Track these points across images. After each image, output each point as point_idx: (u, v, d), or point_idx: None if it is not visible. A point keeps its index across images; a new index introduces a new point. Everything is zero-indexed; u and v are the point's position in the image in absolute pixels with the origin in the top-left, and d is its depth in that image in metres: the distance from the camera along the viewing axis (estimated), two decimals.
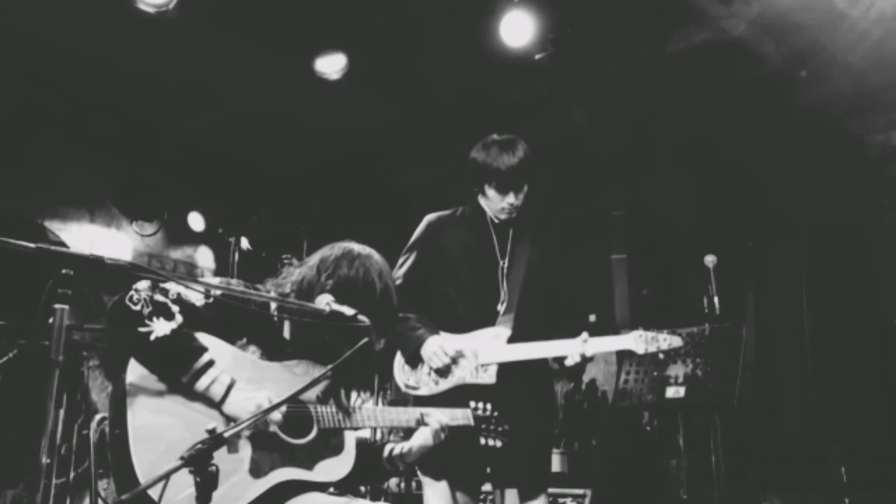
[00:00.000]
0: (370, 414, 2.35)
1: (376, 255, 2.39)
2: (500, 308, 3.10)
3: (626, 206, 6.62)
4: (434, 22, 5.19)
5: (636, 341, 2.98)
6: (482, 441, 2.61)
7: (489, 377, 3.02)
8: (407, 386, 3.17)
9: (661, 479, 5.24)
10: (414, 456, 2.49)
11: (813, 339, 5.15)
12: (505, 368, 3.03)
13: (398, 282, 3.20)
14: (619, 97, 5.80)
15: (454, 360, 3.04)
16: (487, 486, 3.73)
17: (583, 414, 6.17)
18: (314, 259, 2.36)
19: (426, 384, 3.10)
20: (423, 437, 2.47)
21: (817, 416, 4.99)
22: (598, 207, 6.77)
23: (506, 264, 3.16)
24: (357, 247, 2.38)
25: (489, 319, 3.10)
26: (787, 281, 5.38)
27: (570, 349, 2.97)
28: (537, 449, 3.12)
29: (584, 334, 2.99)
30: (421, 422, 2.47)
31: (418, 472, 3.23)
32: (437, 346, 3.04)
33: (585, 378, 6.61)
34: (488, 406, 2.63)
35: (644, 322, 3.14)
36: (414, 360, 3.13)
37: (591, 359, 3.03)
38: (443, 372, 3.07)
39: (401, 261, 3.27)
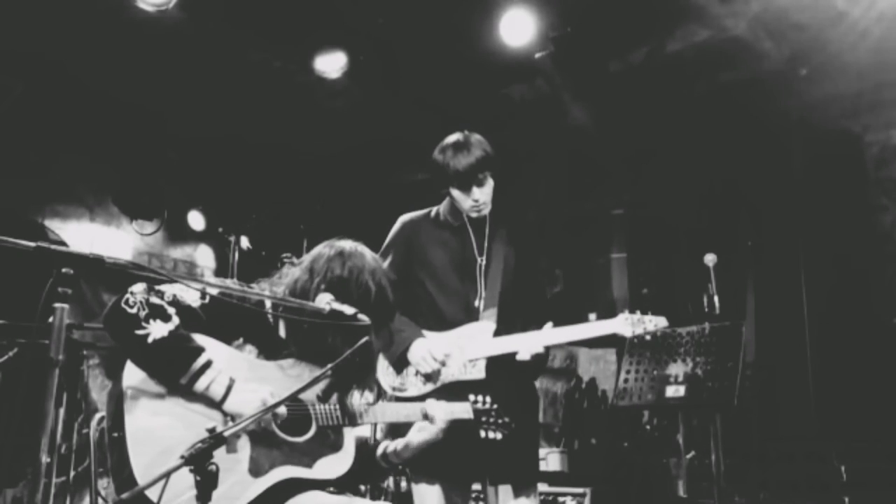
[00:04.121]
0: (374, 410, 2.35)
1: (368, 254, 2.39)
2: (479, 304, 3.12)
3: (626, 205, 6.62)
4: (434, 21, 5.19)
5: (623, 325, 2.98)
6: (483, 434, 2.60)
7: (478, 372, 3.01)
8: (393, 388, 3.14)
9: (661, 479, 5.24)
10: (411, 452, 2.46)
11: (813, 338, 5.15)
12: (493, 363, 3.02)
13: None
14: (619, 97, 5.79)
15: (443, 364, 3.02)
16: (476, 486, 3.72)
17: (583, 413, 6.17)
18: (306, 261, 2.36)
19: (414, 385, 3.08)
20: (425, 433, 2.44)
21: (817, 416, 4.99)
22: (598, 207, 6.77)
23: (483, 261, 3.18)
24: (349, 246, 2.37)
25: (473, 316, 3.11)
26: (787, 281, 5.38)
27: (548, 338, 2.99)
28: (528, 442, 3.14)
29: (549, 324, 3.02)
30: (426, 416, 2.44)
31: (408, 472, 3.22)
32: (426, 351, 3.01)
33: (585, 377, 6.61)
34: (487, 399, 2.63)
35: None
36: (400, 365, 3.11)
37: (545, 354, 3.03)
38: (430, 376, 3.05)
39: None
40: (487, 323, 3.07)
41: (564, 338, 3.02)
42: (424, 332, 3.12)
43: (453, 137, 3.19)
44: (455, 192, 3.16)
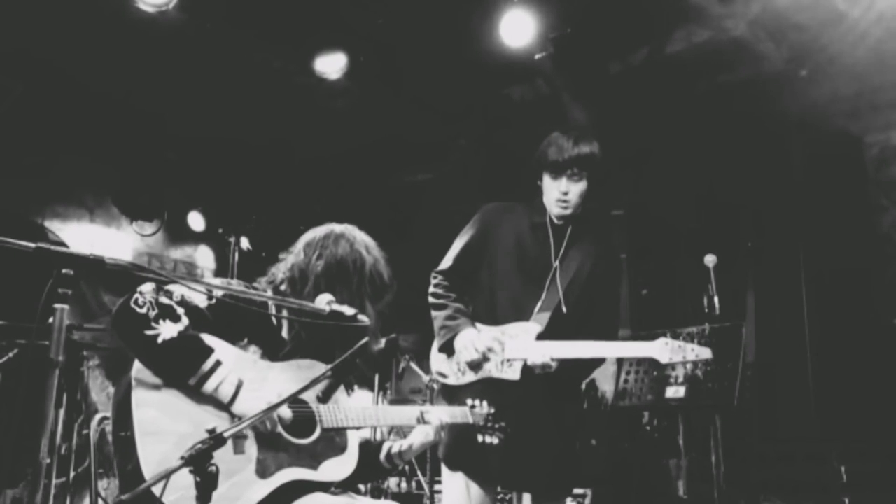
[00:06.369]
0: (371, 413, 2.35)
1: (359, 232, 2.44)
2: (537, 306, 3.02)
3: (626, 206, 6.62)
4: (434, 21, 5.19)
5: (661, 350, 2.84)
6: (480, 438, 2.60)
7: (513, 373, 2.94)
8: (437, 372, 3.14)
9: (661, 479, 5.24)
10: (413, 453, 2.52)
11: (813, 339, 5.14)
12: (530, 366, 2.94)
13: (447, 265, 3.19)
14: (618, 98, 5.80)
15: (484, 357, 2.97)
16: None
17: (583, 414, 6.16)
18: (299, 245, 2.40)
19: (454, 374, 3.06)
20: (422, 435, 2.50)
21: (817, 417, 4.98)
22: (598, 207, 6.76)
23: (557, 265, 3.07)
24: (338, 226, 2.44)
25: (524, 316, 3.02)
26: (787, 281, 5.37)
27: (579, 351, 2.88)
28: (550, 453, 2.97)
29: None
30: (421, 420, 2.48)
31: (407, 472, 3.20)
32: (469, 340, 2.98)
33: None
34: (485, 403, 2.63)
35: (643, 322, 3.11)
36: (447, 350, 3.09)
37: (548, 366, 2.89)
38: (471, 365, 3.01)
39: (453, 245, 3.22)
40: (534, 324, 2.98)
41: (596, 353, 2.90)
42: (478, 324, 3.07)
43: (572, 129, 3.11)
44: (546, 180, 3.06)
